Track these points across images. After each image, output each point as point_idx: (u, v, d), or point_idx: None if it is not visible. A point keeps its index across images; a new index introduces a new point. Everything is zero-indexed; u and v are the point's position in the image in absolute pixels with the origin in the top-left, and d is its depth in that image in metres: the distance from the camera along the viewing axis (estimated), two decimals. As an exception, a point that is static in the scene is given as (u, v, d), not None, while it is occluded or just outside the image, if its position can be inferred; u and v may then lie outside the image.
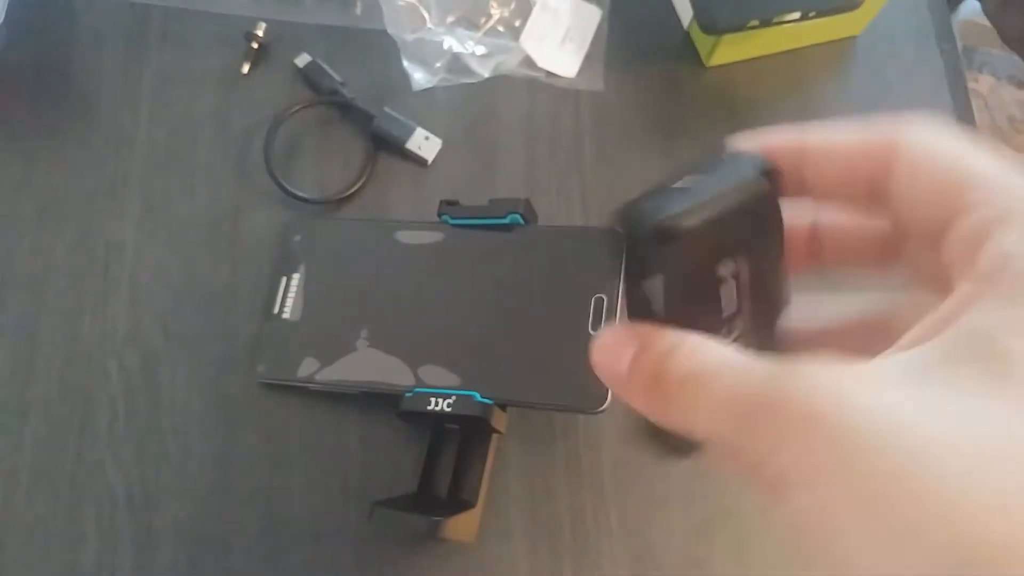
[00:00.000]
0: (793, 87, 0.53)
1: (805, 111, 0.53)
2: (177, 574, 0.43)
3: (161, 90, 0.52)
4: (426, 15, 0.51)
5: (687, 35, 0.53)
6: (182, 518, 0.44)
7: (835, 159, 0.20)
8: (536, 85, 0.52)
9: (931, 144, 0.18)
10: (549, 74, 0.52)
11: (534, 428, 0.45)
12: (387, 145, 0.50)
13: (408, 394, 0.41)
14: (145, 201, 0.50)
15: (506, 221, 0.44)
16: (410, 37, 0.50)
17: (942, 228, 0.18)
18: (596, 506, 0.44)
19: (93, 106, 0.52)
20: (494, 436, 0.43)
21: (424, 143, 0.50)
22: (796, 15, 0.48)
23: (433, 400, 0.41)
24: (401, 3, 0.50)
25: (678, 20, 0.54)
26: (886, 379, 0.15)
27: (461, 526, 0.41)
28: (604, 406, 0.39)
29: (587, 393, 0.40)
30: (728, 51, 0.51)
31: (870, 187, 0.20)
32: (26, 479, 0.44)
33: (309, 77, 0.52)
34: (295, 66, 0.52)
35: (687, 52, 0.53)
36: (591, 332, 0.41)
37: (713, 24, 0.48)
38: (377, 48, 0.52)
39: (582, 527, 0.43)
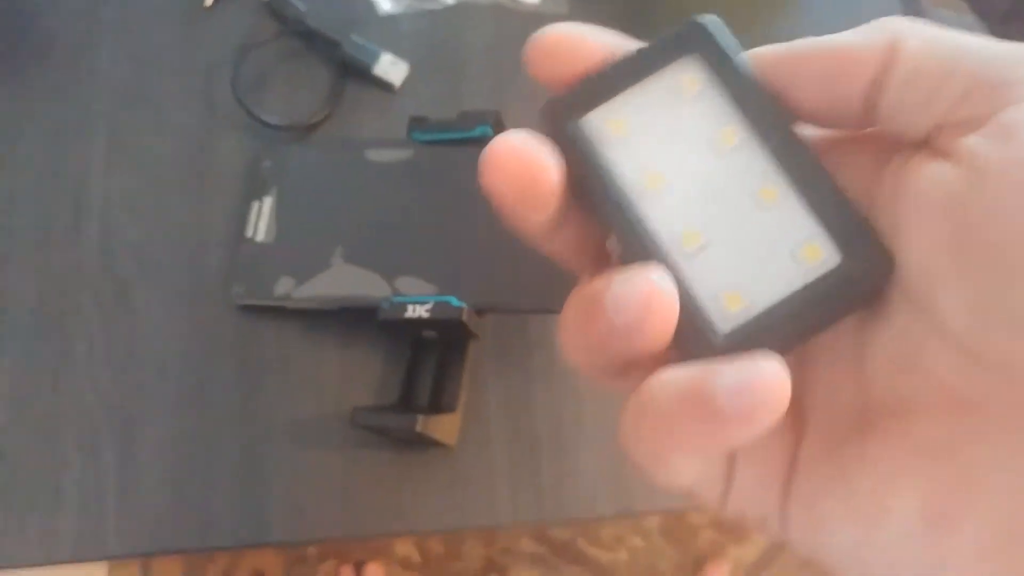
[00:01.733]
0: (750, 11, 0.55)
1: (763, 38, 0.54)
2: (161, 495, 0.43)
3: (122, 24, 0.52)
4: (388, -58, 0.51)
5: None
6: (164, 440, 0.44)
7: (827, 63, 0.18)
8: (501, 11, 0.53)
9: (935, 39, 0.17)
10: (514, 0, 0.53)
11: (509, 340, 0.46)
12: (354, 71, 0.51)
13: (386, 304, 0.42)
14: (111, 134, 0.49)
15: (476, 134, 0.45)
16: (374, -37, 0.50)
17: (963, 124, 0.17)
18: (572, 412, 0.45)
19: (53, 42, 0.51)
20: (472, 344, 0.44)
21: (391, 68, 0.50)
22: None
23: (411, 307, 0.41)
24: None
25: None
26: None
27: (441, 427, 0.42)
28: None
29: (559, 293, 0.40)
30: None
31: (866, 96, 0.18)
32: (4, 409, 0.44)
33: (274, 8, 0.52)
34: (255, -4, 0.52)
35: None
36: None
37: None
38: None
39: (559, 432, 0.44)
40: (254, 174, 0.48)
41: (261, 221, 0.46)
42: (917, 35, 0.17)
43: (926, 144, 0.18)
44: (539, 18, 0.53)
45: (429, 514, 0.42)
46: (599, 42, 0.20)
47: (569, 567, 1.25)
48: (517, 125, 0.47)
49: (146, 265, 0.47)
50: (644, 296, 0.16)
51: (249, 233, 0.46)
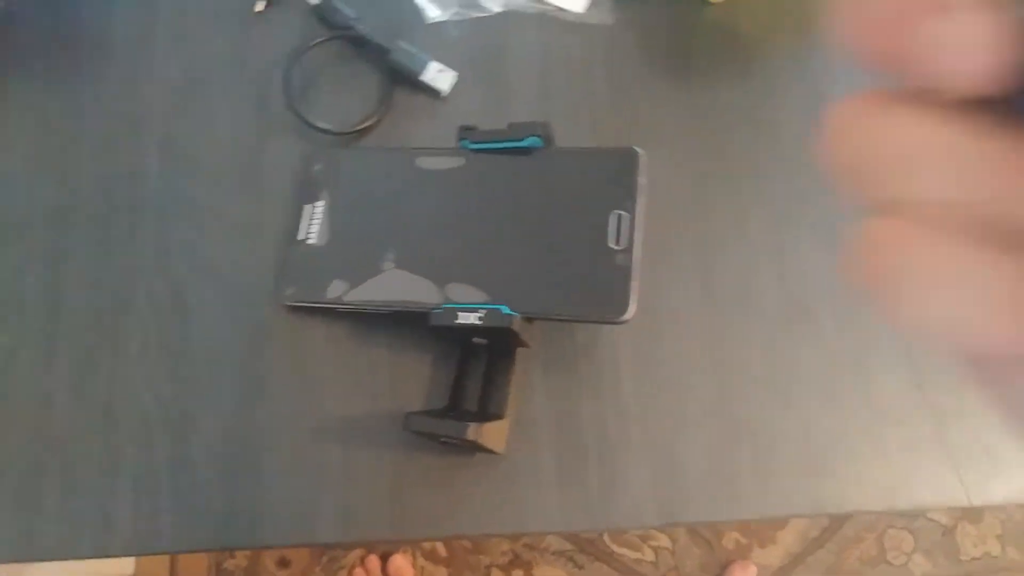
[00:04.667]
0: (792, 24, 0.55)
1: (804, 49, 0.54)
2: (213, 492, 0.44)
3: (175, 28, 0.53)
4: (439, -51, 0.52)
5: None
6: (216, 438, 0.45)
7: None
8: (546, 19, 0.53)
9: None
10: (559, 9, 0.53)
11: (557, 350, 0.46)
12: (402, 78, 0.51)
13: (437, 310, 0.43)
14: (166, 135, 0.50)
15: (525, 144, 0.45)
16: (425, -30, 0.51)
17: None
18: (618, 422, 0.45)
19: (107, 44, 0.52)
20: (520, 352, 0.44)
21: (438, 75, 0.51)
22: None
23: (462, 314, 0.42)
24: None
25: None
26: None
27: (491, 435, 0.42)
28: (627, 315, 0.41)
29: (611, 303, 0.41)
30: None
31: None
32: (61, 403, 0.45)
33: (323, 14, 0.52)
34: (308, 3, 0.52)
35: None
36: (612, 247, 0.42)
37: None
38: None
39: (605, 442, 0.45)
40: (306, 178, 0.49)
41: (313, 224, 0.47)
42: None
43: None
44: (584, 27, 0.53)
45: (477, 518, 0.43)
46: None
47: (594, 564, 1.26)
48: (564, 134, 0.47)
49: (199, 265, 0.48)
50: None
51: (301, 236, 0.47)
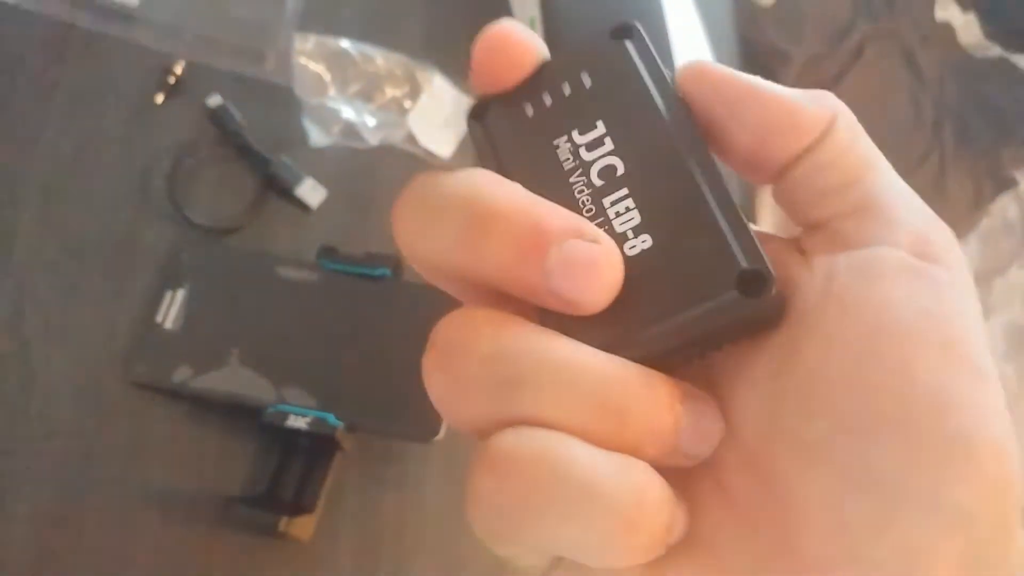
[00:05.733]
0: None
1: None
2: (30, 554, 0.47)
3: (74, 103, 0.57)
4: (330, 85, 0.59)
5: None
6: (41, 500, 0.48)
7: (773, 115, 0.18)
8: (415, 159, 0.61)
9: (860, 138, 0.18)
10: (428, 152, 0.61)
11: (374, 451, 0.53)
12: (278, 187, 0.57)
13: (271, 408, 0.48)
14: (44, 198, 0.54)
15: (376, 273, 0.52)
16: (313, 101, 0.58)
17: (841, 236, 0.17)
18: (417, 519, 0.52)
19: (3, 103, 0.56)
20: (339, 453, 0.50)
21: (311, 191, 0.57)
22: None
23: (293, 417, 0.48)
24: (311, 71, 0.58)
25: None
26: None
27: (299, 526, 0.48)
28: (437, 437, 0.48)
29: (424, 425, 0.48)
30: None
31: (789, 161, 0.18)
32: None
33: (217, 116, 0.58)
34: (205, 105, 0.58)
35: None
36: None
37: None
38: (280, 101, 0.59)
39: (401, 540, 0.51)
40: (172, 264, 0.53)
41: (172, 309, 0.52)
42: (847, 125, 0.18)
43: (806, 228, 0.19)
44: (432, 158, 0.61)
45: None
46: (536, 42, 0.19)
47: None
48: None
49: (52, 327, 0.51)
50: (604, 255, 0.16)
51: (159, 319, 0.52)
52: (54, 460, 0.49)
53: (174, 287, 0.53)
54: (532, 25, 0.61)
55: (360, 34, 0.61)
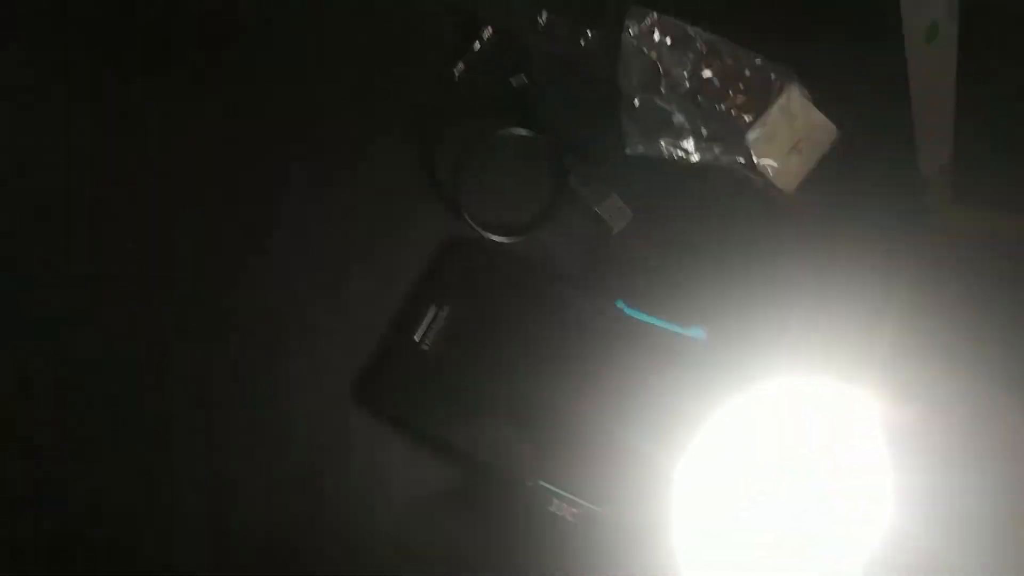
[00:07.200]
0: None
1: None
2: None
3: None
4: (663, 77, 0.47)
5: (926, 180, 0.49)
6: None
7: None
8: (747, 186, 0.48)
9: None
10: (765, 181, 0.48)
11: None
12: (576, 199, 0.47)
13: (530, 483, 0.38)
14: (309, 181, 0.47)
15: (687, 332, 0.40)
16: (639, 96, 0.46)
17: None
18: None
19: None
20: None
21: (616, 211, 0.46)
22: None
23: (556, 503, 0.37)
24: (643, 57, 0.46)
25: (917, 161, 0.49)
26: None
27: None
28: None
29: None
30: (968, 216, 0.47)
31: None
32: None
33: (516, 98, 0.48)
34: (508, 83, 0.48)
35: (924, 198, 0.48)
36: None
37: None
38: (597, 90, 0.48)
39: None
40: (442, 271, 0.44)
41: (432, 330, 0.43)
42: None
43: None
44: (786, 210, 0.48)
45: None
46: None
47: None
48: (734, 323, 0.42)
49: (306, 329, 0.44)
50: None
51: (417, 337, 0.43)
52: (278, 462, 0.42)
53: (440, 303, 0.43)
54: (934, 31, 0.46)
55: (711, 17, 0.48)
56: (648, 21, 0.47)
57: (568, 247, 0.46)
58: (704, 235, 0.47)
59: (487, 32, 0.48)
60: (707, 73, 0.47)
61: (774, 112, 0.48)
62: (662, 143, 0.47)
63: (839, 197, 0.48)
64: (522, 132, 0.47)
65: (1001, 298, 0.46)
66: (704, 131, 0.47)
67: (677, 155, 0.47)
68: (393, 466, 0.42)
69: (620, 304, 0.42)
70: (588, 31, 0.48)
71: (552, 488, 0.38)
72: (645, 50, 0.47)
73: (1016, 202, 0.46)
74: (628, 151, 0.46)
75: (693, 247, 0.47)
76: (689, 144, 0.47)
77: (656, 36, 0.47)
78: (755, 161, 0.48)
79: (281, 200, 0.45)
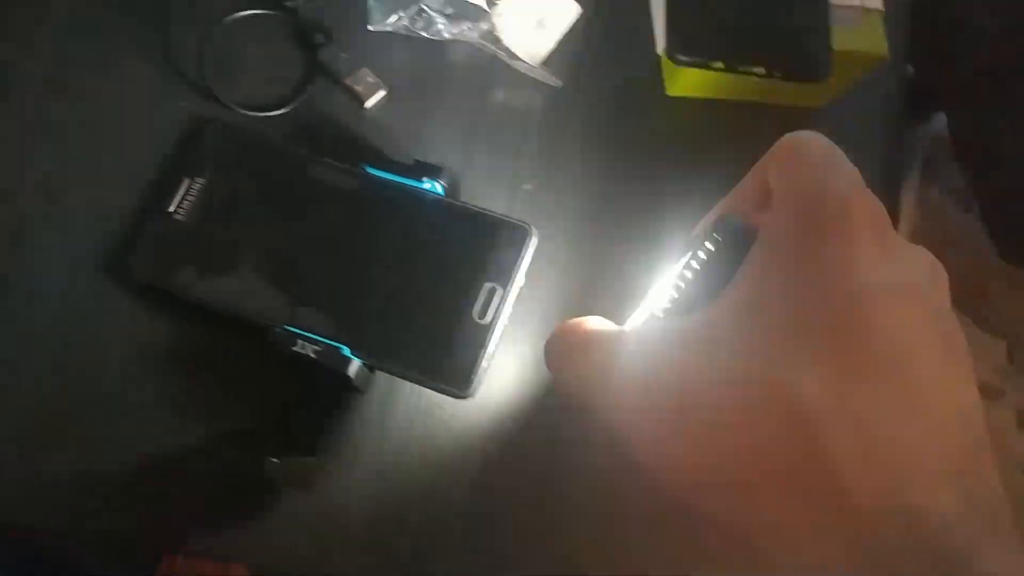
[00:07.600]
0: (740, 138, 0.54)
1: (742, 165, 0.53)
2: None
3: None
4: (407, -44, 0.49)
5: (657, 58, 0.53)
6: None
7: None
8: (495, 62, 0.51)
9: None
10: (511, 55, 0.51)
11: (398, 399, 0.44)
12: (328, 73, 0.49)
13: (278, 328, 0.40)
14: (55, 63, 0.47)
15: (423, 186, 0.43)
16: (382, -26, 0.49)
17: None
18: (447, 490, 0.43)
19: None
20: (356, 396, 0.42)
21: (368, 84, 0.48)
22: (761, 70, 0.48)
23: (300, 343, 0.40)
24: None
25: (653, 40, 0.54)
26: None
27: (301, 471, 0.40)
28: (469, 393, 0.39)
29: (455, 377, 0.40)
30: (691, 85, 0.51)
31: None
32: None
33: (272, -15, 0.49)
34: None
35: (653, 74, 0.53)
36: (475, 319, 0.41)
37: (677, 55, 0.47)
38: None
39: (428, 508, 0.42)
40: (196, 147, 0.45)
41: (187, 200, 0.44)
42: None
43: None
44: (531, 82, 0.51)
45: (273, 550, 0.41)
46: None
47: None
48: (474, 187, 0.45)
49: (52, 206, 0.44)
50: None
51: (171, 208, 0.44)
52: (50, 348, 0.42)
53: (192, 175, 0.44)
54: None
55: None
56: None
57: (321, 121, 0.48)
58: (453, 107, 0.50)
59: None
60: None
61: (515, -11, 0.51)
62: (407, 20, 0.49)
63: (579, 70, 0.52)
64: (266, 11, 0.49)
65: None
66: (448, 9, 0.50)
67: (423, 33, 0.50)
68: (152, 336, 0.43)
69: (363, 166, 0.44)
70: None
71: (296, 330, 0.40)
72: (387, -70, 0.49)
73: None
74: (371, 27, 0.49)
75: (444, 118, 0.50)
76: (436, 21, 0.50)
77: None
78: (501, 37, 0.51)
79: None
